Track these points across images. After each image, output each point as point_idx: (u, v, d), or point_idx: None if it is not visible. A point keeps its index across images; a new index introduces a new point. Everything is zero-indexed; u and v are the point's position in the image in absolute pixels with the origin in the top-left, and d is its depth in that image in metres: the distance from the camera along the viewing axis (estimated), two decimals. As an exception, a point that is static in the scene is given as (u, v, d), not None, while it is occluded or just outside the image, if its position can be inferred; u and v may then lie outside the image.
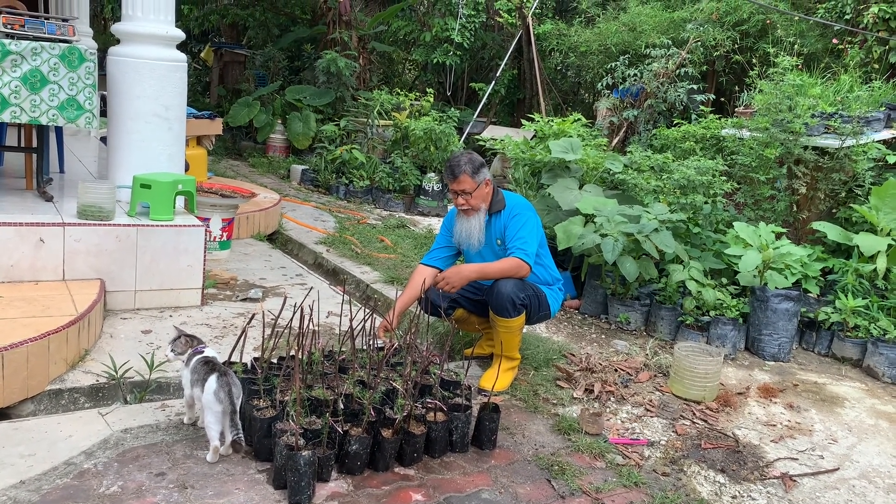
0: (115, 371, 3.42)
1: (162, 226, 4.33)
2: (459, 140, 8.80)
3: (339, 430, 2.82)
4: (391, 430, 2.94)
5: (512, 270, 3.52)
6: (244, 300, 4.69)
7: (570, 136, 5.66)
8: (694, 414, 3.69)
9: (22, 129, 4.96)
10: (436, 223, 7.89)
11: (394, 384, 3.10)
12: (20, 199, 4.50)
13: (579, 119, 6.14)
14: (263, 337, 3.25)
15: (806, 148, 5.58)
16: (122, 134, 4.72)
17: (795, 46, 8.10)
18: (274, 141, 10.30)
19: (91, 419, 3.09)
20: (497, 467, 3.06)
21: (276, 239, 6.52)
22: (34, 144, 4.78)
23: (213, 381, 2.83)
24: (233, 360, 3.25)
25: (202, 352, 2.99)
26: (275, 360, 3.34)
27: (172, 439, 3.00)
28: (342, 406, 2.95)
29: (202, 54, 14.04)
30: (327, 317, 4.49)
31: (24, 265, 3.98)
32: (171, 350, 3.01)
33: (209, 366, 2.92)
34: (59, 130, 5.75)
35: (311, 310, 3.29)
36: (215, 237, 5.45)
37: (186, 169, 5.72)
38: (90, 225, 4.14)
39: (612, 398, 3.77)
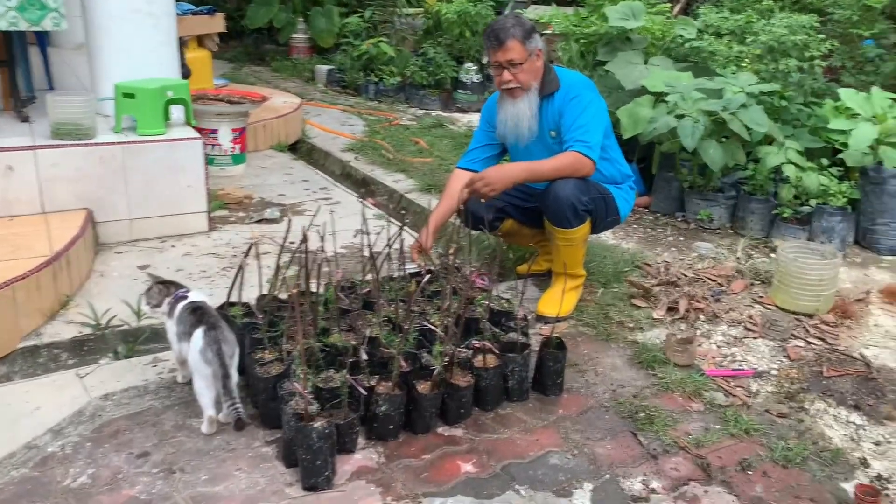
0: (97, 320, 2.85)
1: (152, 141, 3.67)
2: (498, 23, 7.84)
3: (361, 390, 2.19)
4: (429, 384, 2.30)
5: (571, 168, 2.78)
6: (259, 221, 4.06)
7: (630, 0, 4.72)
8: (807, 331, 2.98)
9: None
10: (476, 119, 7.07)
11: (429, 324, 2.45)
12: (-9, 122, 3.89)
13: (639, -20, 5.16)
14: (259, 270, 2.61)
15: (920, -7, 4.57)
16: (101, 36, 4.02)
17: None
18: (297, 41, 9.47)
19: (66, 383, 2.54)
20: (566, 419, 2.43)
21: (300, 148, 5.84)
22: (3, 57, 4.12)
23: (198, 337, 2.22)
24: (232, 300, 2.66)
25: (186, 296, 2.38)
26: (284, 297, 2.72)
27: (162, 405, 2.43)
28: (365, 355, 2.33)
29: (217, -45, 13.07)
30: (355, 236, 3.84)
31: (-6, 199, 3.40)
32: (147, 303, 2.42)
33: (197, 315, 2.31)
34: (41, 41, 5.08)
35: (323, 232, 2.64)
36: (226, 150, 4.79)
37: (188, 74, 5.02)
38: (67, 146, 3.51)
39: (701, 317, 3.07)
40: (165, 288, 2.40)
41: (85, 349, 2.85)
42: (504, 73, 2.82)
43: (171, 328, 2.38)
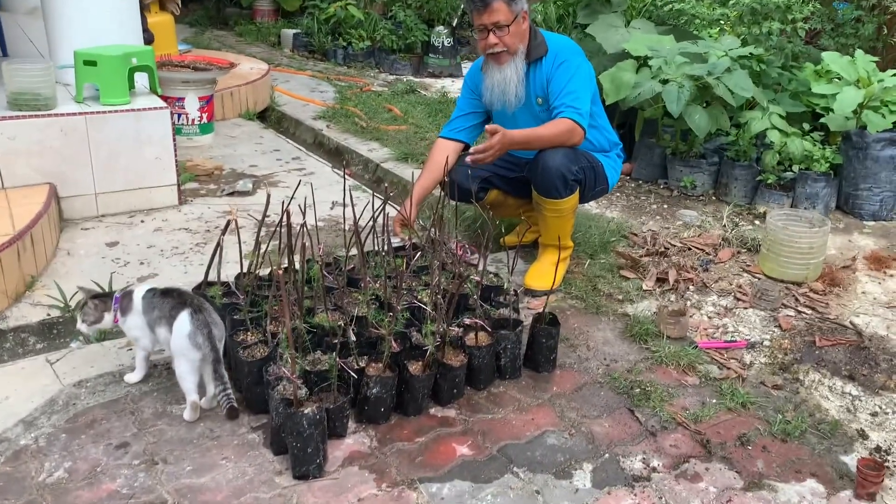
0: (65, 301, 2.71)
1: (116, 111, 3.49)
2: (469, -15, 7.64)
3: (352, 372, 2.10)
4: (421, 364, 2.22)
5: (564, 136, 2.68)
6: (231, 194, 3.91)
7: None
8: (797, 300, 2.95)
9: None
10: (450, 85, 6.94)
11: (418, 301, 2.36)
12: (-58, 92, 3.66)
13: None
14: (240, 246, 2.49)
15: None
16: (57, 0, 3.80)
17: None
18: (261, 4, 9.18)
19: (36, 371, 2.41)
20: (561, 396, 2.37)
21: (269, 117, 5.65)
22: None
23: (185, 320, 2.11)
24: (209, 279, 2.53)
25: (131, 291, 2.24)
26: (265, 274, 2.61)
27: (140, 391, 2.31)
28: (353, 336, 2.23)
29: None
30: (332, 208, 3.72)
31: (-51, 175, 3.21)
32: (83, 321, 2.23)
33: (175, 297, 2.19)
34: (-8, 5, 4.82)
35: (304, 206, 2.52)
36: (193, 119, 4.60)
37: (151, 40, 4.81)
38: (25, 117, 3.31)
39: (690, 287, 3.02)
40: (102, 302, 2.23)
41: (54, 333, 2.71)
42: (489, 37, 2.70)
43: (134, 325, 2.23)
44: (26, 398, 2.26)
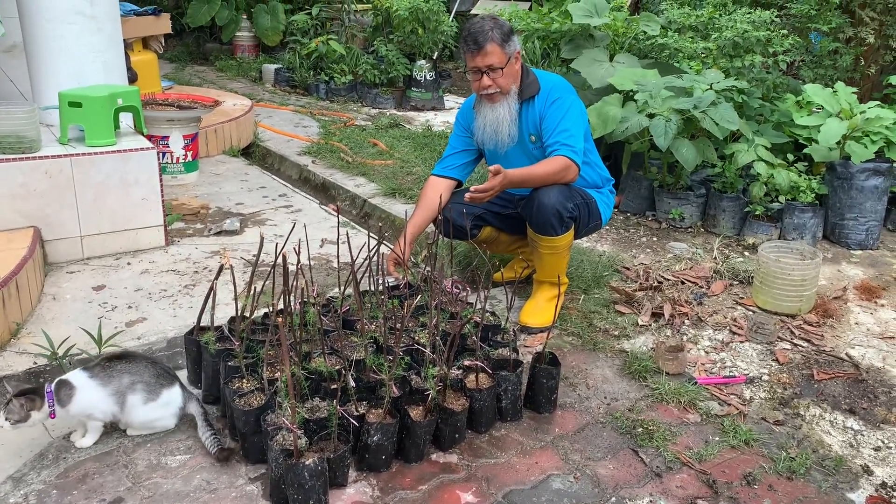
0: (52, 349, 2.64)
1: (102, 153, 3.44)
2: (449, 18, 7.71)
3: (352, 420, 2.06)
4: (422, 409, 2.18)
5: (560, 174, 2.68)
6: (219, 233, 3.86)
7: (591, -3, 4.66)
8: (792, 333, 2.95)
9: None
10: (433, 118, 6.96)
11: (417, 343, 2.33)
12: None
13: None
14: (235, 286, 2.44)
15: (874, -13, 4.62)
16: (41, 41, 3.76)
17: None
18: (241, 40, 9.19)
19: (24, 423, 2.33)
20: (563, 438, 2.34)
21: (253, 153, 5.62)
22: (-68, 64, 3.83)
23: (178, 394, 2.26)
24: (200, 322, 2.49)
25: (65, 380, 2.15)
26: (260, 315, 2.56)
27: (133, 442, 2.25)
28: (353, 382, 2.19)
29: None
30: (321, 246, 3.68)
31: (-69, 220, 3.14)
32: (6, 419, 2.08)
33: (152, 367, 2.22)
34: (-28, 45, 4.76)
35: (298, 247, 2.49)
36: (178, 158, 4.56)
37: (134, 78, 4.78)
38: (9, 160, 3.26)
39: (686, 321, 3.02)
40: (30, 400, 2.09)
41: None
42: (483, 79, 2.70)
43: (90, 401, 2.15)
44: (14, 453, 2.19)
